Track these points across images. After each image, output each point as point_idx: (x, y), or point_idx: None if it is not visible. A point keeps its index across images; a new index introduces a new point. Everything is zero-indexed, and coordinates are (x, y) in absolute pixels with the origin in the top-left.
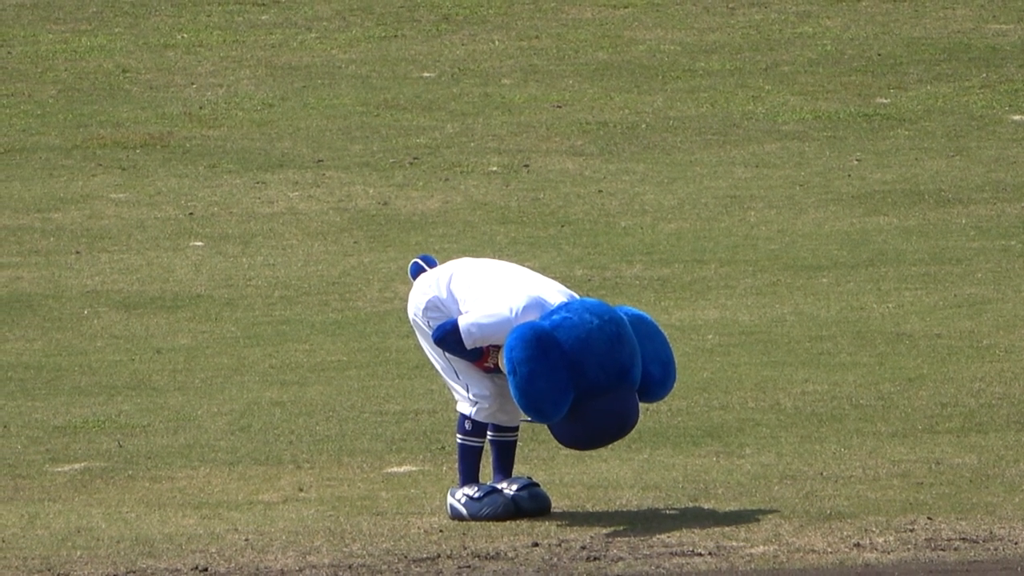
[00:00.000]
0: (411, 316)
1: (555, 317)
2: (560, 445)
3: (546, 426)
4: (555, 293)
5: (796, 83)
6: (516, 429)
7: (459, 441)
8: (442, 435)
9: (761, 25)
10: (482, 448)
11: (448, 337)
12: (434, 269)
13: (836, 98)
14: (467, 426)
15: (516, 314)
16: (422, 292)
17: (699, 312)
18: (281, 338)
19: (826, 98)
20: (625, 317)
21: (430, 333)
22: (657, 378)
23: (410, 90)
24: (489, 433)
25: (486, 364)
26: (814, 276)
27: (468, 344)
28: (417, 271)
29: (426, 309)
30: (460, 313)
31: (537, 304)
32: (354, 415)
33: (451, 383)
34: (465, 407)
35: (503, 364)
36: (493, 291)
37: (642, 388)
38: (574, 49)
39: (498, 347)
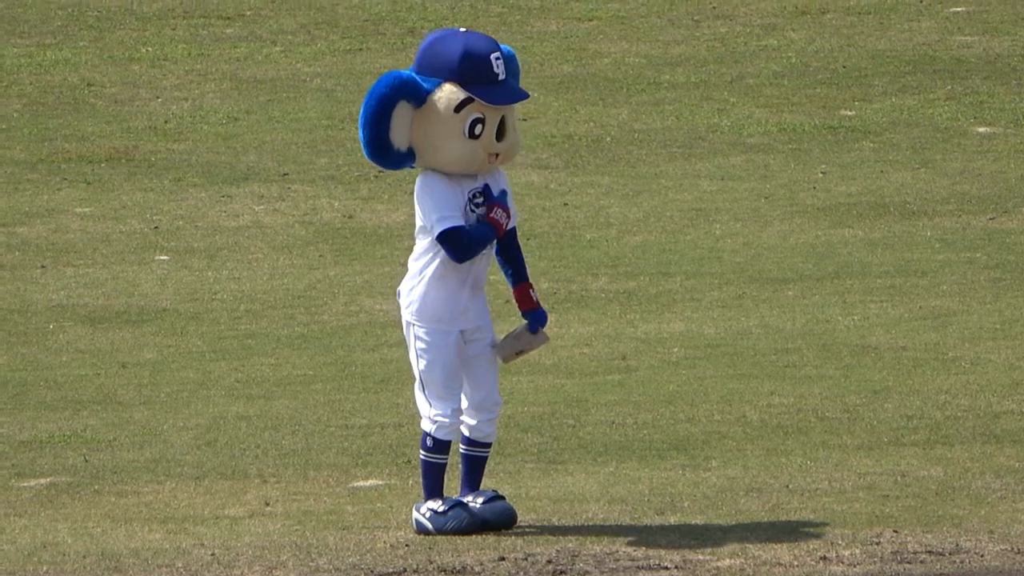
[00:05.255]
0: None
1: None
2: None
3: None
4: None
5: (761, 96)
6: (489, 445)
7: (422, 457)
8: (408, 449)
9: (726, 38)
10: (445, 464)
11: (451, 243)
12: None
13: (801, 111)
14: (428, 443)
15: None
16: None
17: (664, 325)
18: (247, 352)
19: (791, 111)
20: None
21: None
22: None
23: None
24: (461, 446)
25: (493, 217)
26: (779, 289)
27: (450, 228)
28: None
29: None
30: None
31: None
32: (320, 429)
33: (418, 396)
34: (426, 424)
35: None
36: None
37: None
38: (539, 62)
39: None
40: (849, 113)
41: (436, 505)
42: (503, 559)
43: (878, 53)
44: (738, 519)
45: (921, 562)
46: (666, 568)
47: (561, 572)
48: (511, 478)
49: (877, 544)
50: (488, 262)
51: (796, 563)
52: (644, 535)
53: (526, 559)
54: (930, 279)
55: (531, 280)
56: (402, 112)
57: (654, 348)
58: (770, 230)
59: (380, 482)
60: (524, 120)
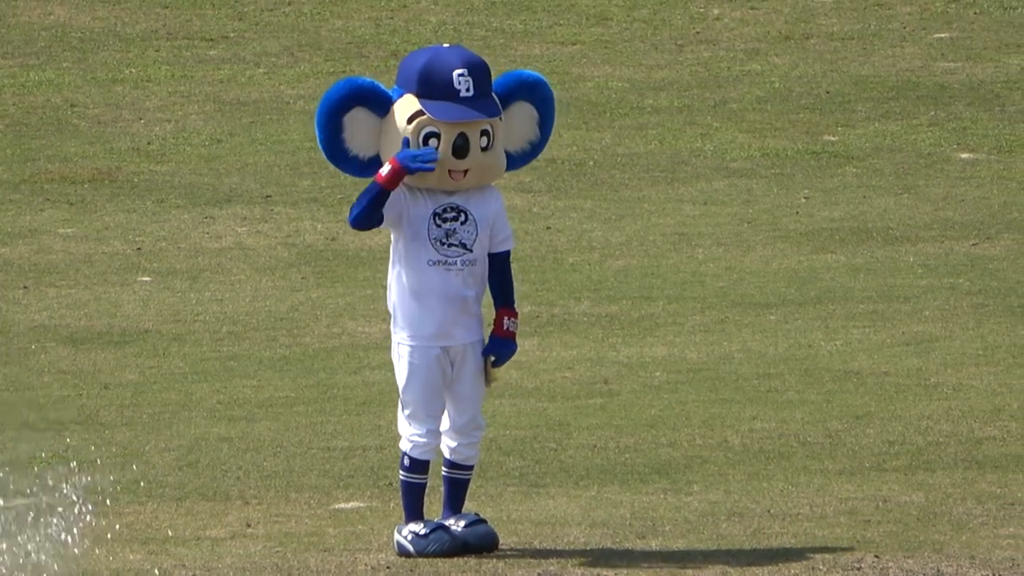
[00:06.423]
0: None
1: None
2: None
3: None
4: None
5: (744, 120)
6: (471, 468)
7: (401, 477)
8: (389, 471)
9: (710, 62)
10: (424, 485)
11: (359, 207)
12: None
13: (784, 135)
14: (406, 462)
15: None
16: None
17: (647, 349)
18: (229, 374)
19: (774, 135)
20: None
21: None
22: None
23: None
24: (443, 469)
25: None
26: (762, 313)
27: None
28: None
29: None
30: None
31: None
32: (302, 451)
33: (398, 414)
34: (403, 444)
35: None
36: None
37: None
38: None
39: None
40: (832, 138)
41: (418, 528)
42: None
43: (861, 79)
44: (719, 544)
45: None
46: None
47: None
48: (493, 501)
49: (858, 569)
50: (469, 277)
51: None
52: (625, 559)
53: None
54: (912, 305)
55: (516, 308)
56: (359, 118)
57: (636, 372)
58: (752, 255)
59: (361, 504)
60: None
